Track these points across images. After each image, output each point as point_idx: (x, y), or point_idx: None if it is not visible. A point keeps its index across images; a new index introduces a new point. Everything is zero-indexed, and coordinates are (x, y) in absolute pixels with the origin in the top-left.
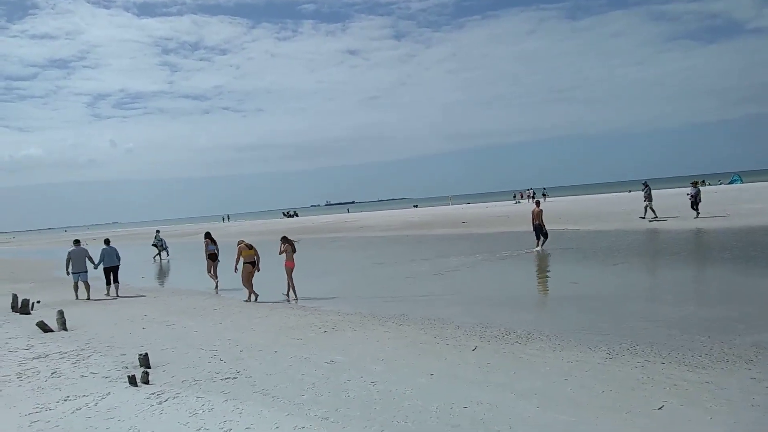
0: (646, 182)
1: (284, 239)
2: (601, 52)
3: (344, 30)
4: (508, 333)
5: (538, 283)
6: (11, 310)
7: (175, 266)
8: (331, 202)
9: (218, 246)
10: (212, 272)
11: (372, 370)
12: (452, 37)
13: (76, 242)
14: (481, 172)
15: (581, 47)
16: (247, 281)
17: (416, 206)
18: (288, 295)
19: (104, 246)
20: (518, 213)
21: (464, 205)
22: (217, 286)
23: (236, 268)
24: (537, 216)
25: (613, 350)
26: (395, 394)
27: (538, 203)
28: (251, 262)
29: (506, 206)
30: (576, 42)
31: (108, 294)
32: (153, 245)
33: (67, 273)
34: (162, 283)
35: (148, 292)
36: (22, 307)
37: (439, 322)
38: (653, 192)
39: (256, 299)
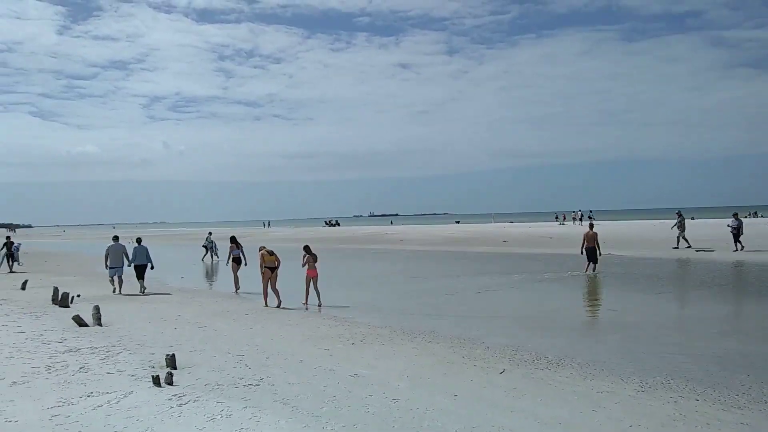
0: (679, 211)
1: (306, 249)
2: (656, 76)
3: (397, 44)
4: (538, 358)
5: (575, 308)
6: (51, 302)
7: (222, 269)
8: (375, 214)
9: (244, 250)
10: (236, 275)
11: (395, 386)
12: (505, 55)
13: (115, 238)
14: (527, 192)
15: (636, 70)
16: (269, 286)
17: (458, 222)
18: (306, 303)
19: (135, 245)
20: (561, 235)
21: (507, 224)
22: (238, 290)
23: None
24: (591, 239)
25: (647, 383)
26: (416, 413)
27: (591, 226)
28: (271, 268)
29: (550, 227)
30: (631, 65)
31: (141, 292)
32: (203, 246)
33: (106, 267)
34: (200, 284)
35: (185, 293)
36: (62, 300)
37: (469, 341)
38: (687, 221)
39: (279, 305)
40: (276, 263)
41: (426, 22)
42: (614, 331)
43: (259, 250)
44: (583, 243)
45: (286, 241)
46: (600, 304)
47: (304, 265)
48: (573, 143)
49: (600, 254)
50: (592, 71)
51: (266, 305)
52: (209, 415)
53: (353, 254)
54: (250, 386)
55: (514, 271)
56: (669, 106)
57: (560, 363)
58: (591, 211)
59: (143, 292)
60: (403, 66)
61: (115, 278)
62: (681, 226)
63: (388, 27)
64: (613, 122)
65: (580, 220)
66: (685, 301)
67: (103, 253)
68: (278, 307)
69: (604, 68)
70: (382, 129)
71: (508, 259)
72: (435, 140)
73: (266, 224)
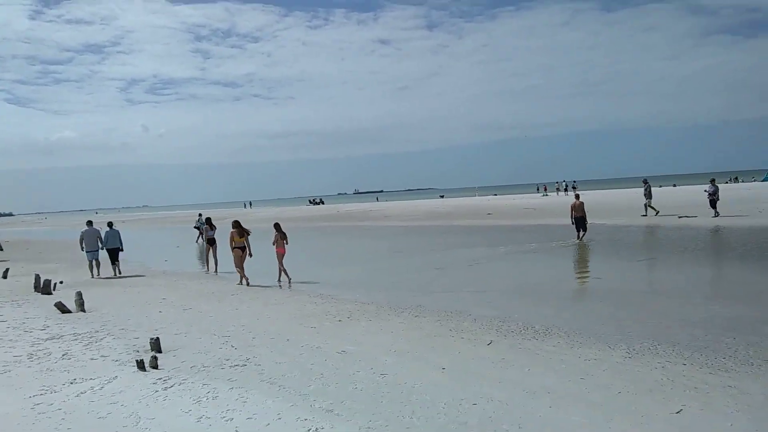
0: (645, 179)
1: (276, 227)
2: (635, 46)
3: (376, 19)
4: (525, 328)
5: (562, 277)
6: (34, 290)
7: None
8: (360, 191)
9: (216, 231)
10: (211, 255)
11: (383, 362)
12: (485, 28)
13: (89, 223)
14: (509, 164)
15: (615, 40)
16: (238, 265)
17: (442, 197)
18: (280, 281)
19: (107, 229)
20: (545, 205)
21: (490, 197)
22: (216, 270)
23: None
24: (578, 208)
25: (633, 349)
26: (404, 387)
27: (577, 196)
28: (241, 248)
29: (533, 198)
30: (610, 35)
31: (114, 274)
32: (195, 227)
33: (82, 249)
34: (185, 267)
35: (169, 276)
36: (44, 288)
37: (456, 314)
38: (653, 189)
39: (247, 283)
40: (246, 243)
41: None
42: (600, 299)
43: (231, 230)
44: (572, 213)
45: (268, 221)
46: (585, 273)
47: (273, 243)
48: (553, 115)
49: (587, 222)
50: (571, 42)
51: (241, 284)
52: (195, 398)
53: (337, 231)
54: (236, 367)
55: (500, 243)
56: (647, 75)
57: (547, 332)
58: (574, 182)
59: (117, 275)
60: (383, 42)
61: (93, 262)
62: (648, 194)
63: (366, 3)
64: (592, 93)
65: (565, 190)
66: (668, 268)
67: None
68: (246, 285)
69: (583, 39)
70: (364, 106)
71: (493, 232)
72: (417, 116)
73: (247, 204)
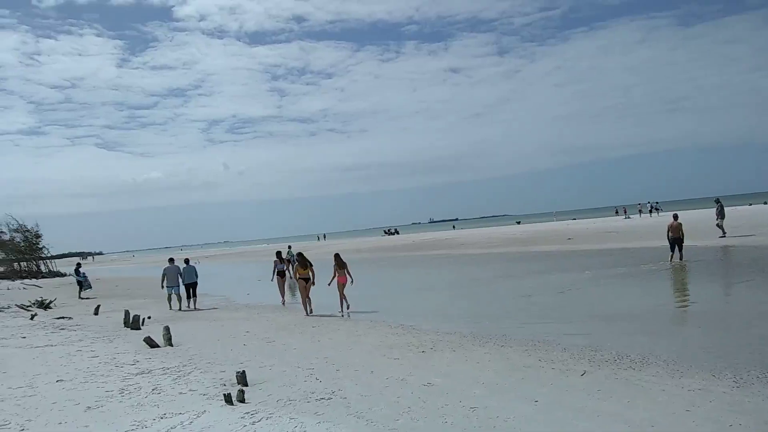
0: (718, 199)
1: (336, 257)
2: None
3: (446, 49)
4: (620, 357)
5: (655, 302)
6: (123, 325)
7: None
8: (435, 220)
9: (289, 265)
10: (282, 288)
11: (471, 394)
12: (558, 51)
13: (170, 260)
14: (588, 188)
15: (694, 55)
16: (303, 295)
17: (519, 222)
18: (342, 311)
19: (185, 265)
20: (628, 228)
21: (569, 221)
22: (284, 302)
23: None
24: (675, 229)
25: (741, 378)
26: (496, 421)
27: (676, 216)
28: (305, 278)
29: (614, 221)
30: (689, 50)
31: (188, 307)
32: (286, 260)
33: (162, 287)
34: (266, 300)
35: (252, 309)
36: (133, 323)
37: (543, 344)
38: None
39: (311, 312)
40: (310, 274)
41: (474, 25)
42: (699, 324)
43: (296, 261)
44: (668, 233)
45: (344, 252)
46: (680, 297)
47: (334, 275)
48: (633, 135)
49: (683, 244)
50: (648, 60)
51: (307, 314)
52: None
53: (414, 261)
54: (322, 400)
55: (584, 268)
56: (729, 89)
57: (645, 361)
58: (657, 203)
59: (194, 308)
60: (454, 70)
61: (173, 296)
62: (720, 214)
63: (436, 33)
64: (673, 110)
65: (649, 212)
66: None
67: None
68: (309, 314)
69: (660, 56)
70: (437, 135)
71: (575, 257)
72: (490, 142)
73: (321, 237)
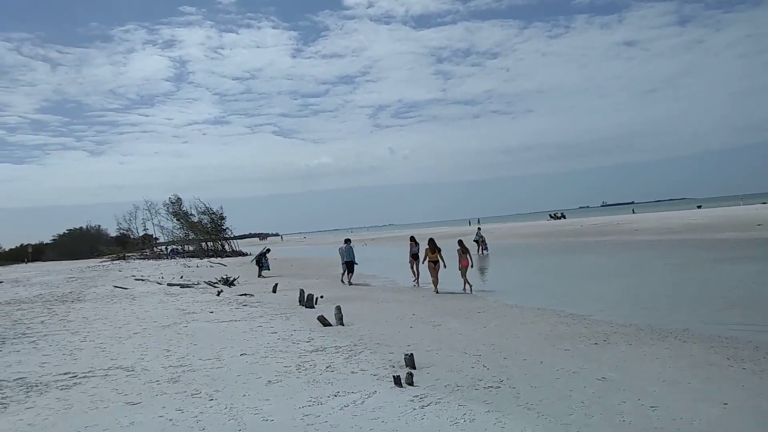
0: None
1: (459, 243)
2: None
3: (620, 21)
4: None
5: None
6: (299, 303)
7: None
8: (608, 203)
9: (420, 247)
10: (414, 269)
11: (651, 392)
12: (747, 18)
13: (347, 241)
14: None
15: None
16: (433, 276)
17: (700, 207)
18: (465, 289)
19: (343, 245)
20: None
21: (758, 206)
22: (417, 282)
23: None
24: None
25: None
26: (680, 423)
27: None
28: (434, 261)
29: None
30: None
31: (343, 281)
32: (474, 241)
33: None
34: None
35: (417, 292)
36: (308, 302)
37: (731, 340)
38: None
39: (437, 291)
40: (438, 257)
41: None
42: None
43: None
44: None
45: (497, 237)
46: None
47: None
48: None
49: None
50: None
51: (437, 292)
52: (452, 419)
53: (582, 247)
54: (490, 388)
55: None
56: None
57: None
58: None
59: (350, 283)
60: (628, 44)
61: (344, 272)
62: None
63: (609, 4)
64: None
65: None
66: None
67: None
68: (436, 292)
69: None
70: (607, 113)
71: (765, 245)
72: (667, 120)
73: (473, 222)
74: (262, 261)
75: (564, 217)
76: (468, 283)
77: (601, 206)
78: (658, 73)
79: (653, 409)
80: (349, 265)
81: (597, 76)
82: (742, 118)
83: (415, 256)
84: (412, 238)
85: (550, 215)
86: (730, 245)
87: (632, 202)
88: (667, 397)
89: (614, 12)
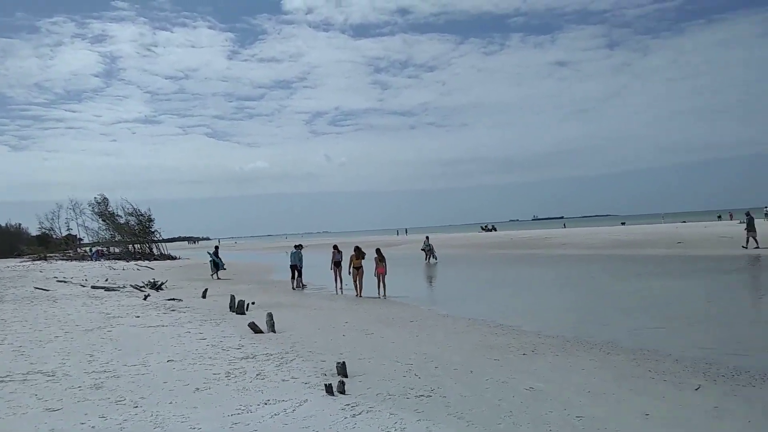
0: (748, 212)
1: (377, 251)
2: None
3: (553, 41)
4: (738, 372)
5: None
6: (229, 309)
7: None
8: (539, 217)
9: (343, 256)
10: (338, 276)
11: (576, 402)
12: (672, 44)
13: (297, 246)
14: (699, 188)
15: None
16: (356, 281)
17: (624, 223)
18: (379, 294)
19: (293, 249)
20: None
21: (678, 224)
22: (339, 289)
23: (349, 272)
24: None
25: None
26: None
27: None
28: (358, 267)
29: (728, 226)
30: None
31: (293, 287)
32: (422, 249)
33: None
34: (365, 291)
35: (350, 300)
36: (239, 308)
37: (653, 353)
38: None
39: (360, 296)
40: (361, 264)
41: (583, 17)
42: None
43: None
44: None
45: (439, 247)
46: None
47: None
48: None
49: None
50: None
51: (359, 296)
52: (384, 427)
53: (512, 260)
54: (421, 397)
55: (697, 276)
56: None
57: (766, 378)
58: None
59: (298, 287)
60: (561, 64)
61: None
62: (749, 227)
63: (543, 25)
64: None
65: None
66: None
67: (284, 260)
68: (358, 296)
69: None
70: (540, 130)
71: (687, 262)
72: (597, 139)
73: (401, 232)
74: (217, 260)
75: (495, 230)
76: (383, 288)
77: (532, 220)
78: (590, 93)
79: (579, 419)
80: (293, 269)
81: (531, 93)
82: (665, 140)
83: (337, 264)
84: (335, 247)
85: (481, 227)
86: (654, 261)
87: (562, 217)
88: (592, 408)
89: (548, 32)
